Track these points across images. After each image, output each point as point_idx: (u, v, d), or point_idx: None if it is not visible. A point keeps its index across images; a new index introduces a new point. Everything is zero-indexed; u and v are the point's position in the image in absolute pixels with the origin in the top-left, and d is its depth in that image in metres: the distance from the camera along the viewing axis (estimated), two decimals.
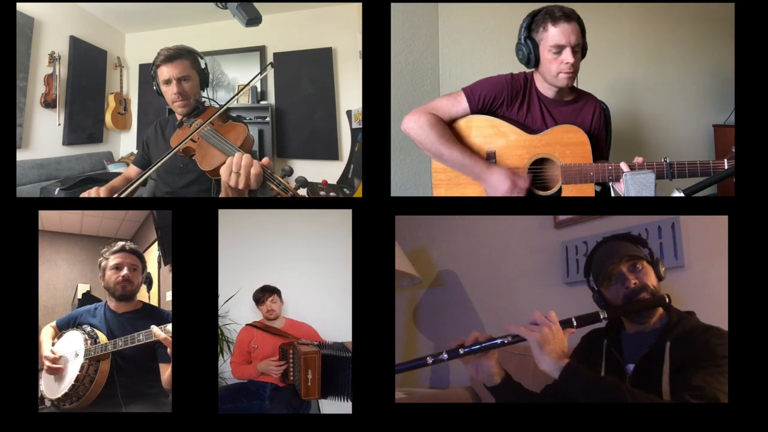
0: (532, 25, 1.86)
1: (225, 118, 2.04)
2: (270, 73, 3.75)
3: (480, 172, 1.87)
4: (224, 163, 1.62)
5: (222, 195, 1.68)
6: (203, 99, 2.15)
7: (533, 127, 1.94)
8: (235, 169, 1.56)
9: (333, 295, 2.26)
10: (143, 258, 1.96)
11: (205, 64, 2.15)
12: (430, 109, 1.92)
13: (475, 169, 1.87)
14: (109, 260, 1.89)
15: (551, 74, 1.87)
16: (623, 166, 1.77)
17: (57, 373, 1.79)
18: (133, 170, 2.26)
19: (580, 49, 1.85)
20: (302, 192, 1.59)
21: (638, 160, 1.77)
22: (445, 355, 1.42)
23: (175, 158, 2.00)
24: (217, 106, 2.02)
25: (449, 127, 1.93)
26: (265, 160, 1.59)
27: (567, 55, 1.82)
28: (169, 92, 2.06)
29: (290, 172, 1.61)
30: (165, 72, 2.05)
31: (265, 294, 2.31)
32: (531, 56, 1.87)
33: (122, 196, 1.84)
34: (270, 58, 3.75)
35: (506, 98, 1.92)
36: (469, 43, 3.06)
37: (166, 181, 2.11)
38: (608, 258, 1.47)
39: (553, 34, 1.82)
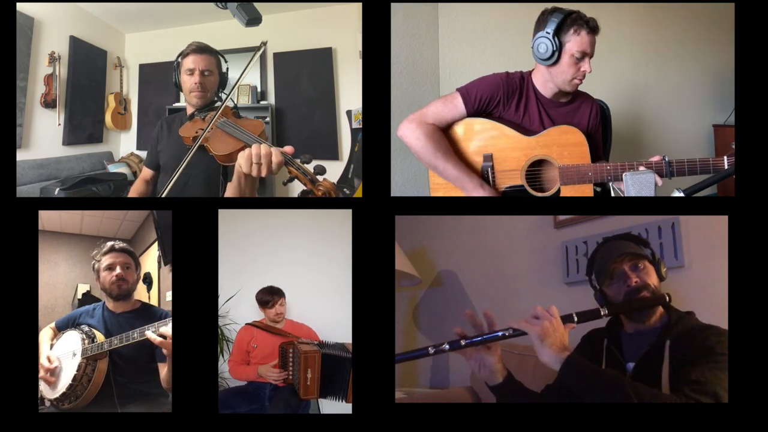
0: (563, 25, 1.83)
1: (239, 116, 2.08)
2: (269, 69, 3.75)
3: (471, 191, 1.89)
4: (240, 149, 1.63)
5: (233, 181, 1.68)
6: (217, 99, 2.18)
7: (530, 128, 1.94)
8: (255, 160, 1.57)
9: (333, 295, 2.26)
10: (135, 255, 1.95)
11: (227, 69, 2.21)
12: (426, 117, 1.91)
13: (467, 186, 1.89)
14: (101, 262, 1.89)
15: (565, 78, 1.87)
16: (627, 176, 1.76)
17: (51, 383, 1.79)
18: (147, 172, 2.27)
19: (592, 56, 1.87)
20: (321, 178, 1.59)
21: (655, 159, 1.77)
22: (447, 346, 1.42)
23: (182, 151, 2.00)
24: (230, 104, 2.06)
25: (446, 133, 1.93)
26: (288, 148, 1.61)
27: (587, 65, 1.85)
28: (190, 81, 2.11)
29: (310, 160, 1.61)
30: (191, 61, 2.10)
31: (273, 297, 2.28)
32: (555, 53, 1.85)
33: (164, 195, 1.84)
34: (270, 58, 3.76)
35: (502, 97, 1.91)
36: (469, 43, 3.07)
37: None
38: (610, 256, 1.48)
39: (584, 42, 1.83)
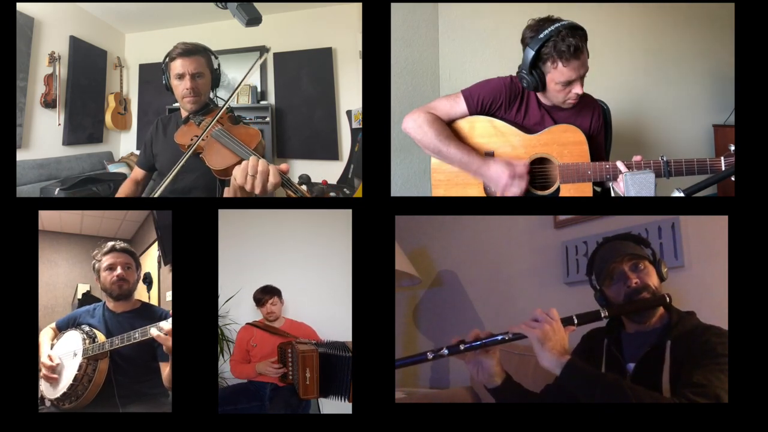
0: (538, 57, 1.78)
1: (235, 120, 2.02)
2: (269, 69, 3.75)
3: (478, 168, 1.87)
4: (235, 164, 1.59)
5: (230, 192, 1.67)
6: (212, 99, 2.13)
7: (532, 129, 1.94)
8: (251, 172, 1.52)
9: (333, 295, 2.26)
10: (135, 255, 1.95)
11: (218, 65, 2.12)
12: (428, 108, 1.92)
13: (473, 166, 1.88)
14: (101, 262, 1.89)
15: (557, 100, 1.87)
16: (620, 165, 1.77)
17: (53, 381, 1.79)
18: (138, 173, 2.25)
19: (586, 72, 1.82)
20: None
21: (636, 158, 1.77)
22: (446, 351, 1.43)
23: (177, 156, 1.99)
24: (227, 105, 2.01)
25: (448, 126, 1.94)
26: (283, 166, 1.56)
27: (577, 89, 1.81)
28: (181, 87, 2.03)
29: (308, 179, 1.59)
30: (179, 66, 2.02)
31: (265, 296, 2.30)
32: (538, 86, 1.83)
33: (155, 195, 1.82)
34: (270, 58, 3.75)
35: (505, 101, 1.92)
36: (469, 43, 3.07)
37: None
38: (611, 257, 1.48)
39: (563, 72, 1.78)
